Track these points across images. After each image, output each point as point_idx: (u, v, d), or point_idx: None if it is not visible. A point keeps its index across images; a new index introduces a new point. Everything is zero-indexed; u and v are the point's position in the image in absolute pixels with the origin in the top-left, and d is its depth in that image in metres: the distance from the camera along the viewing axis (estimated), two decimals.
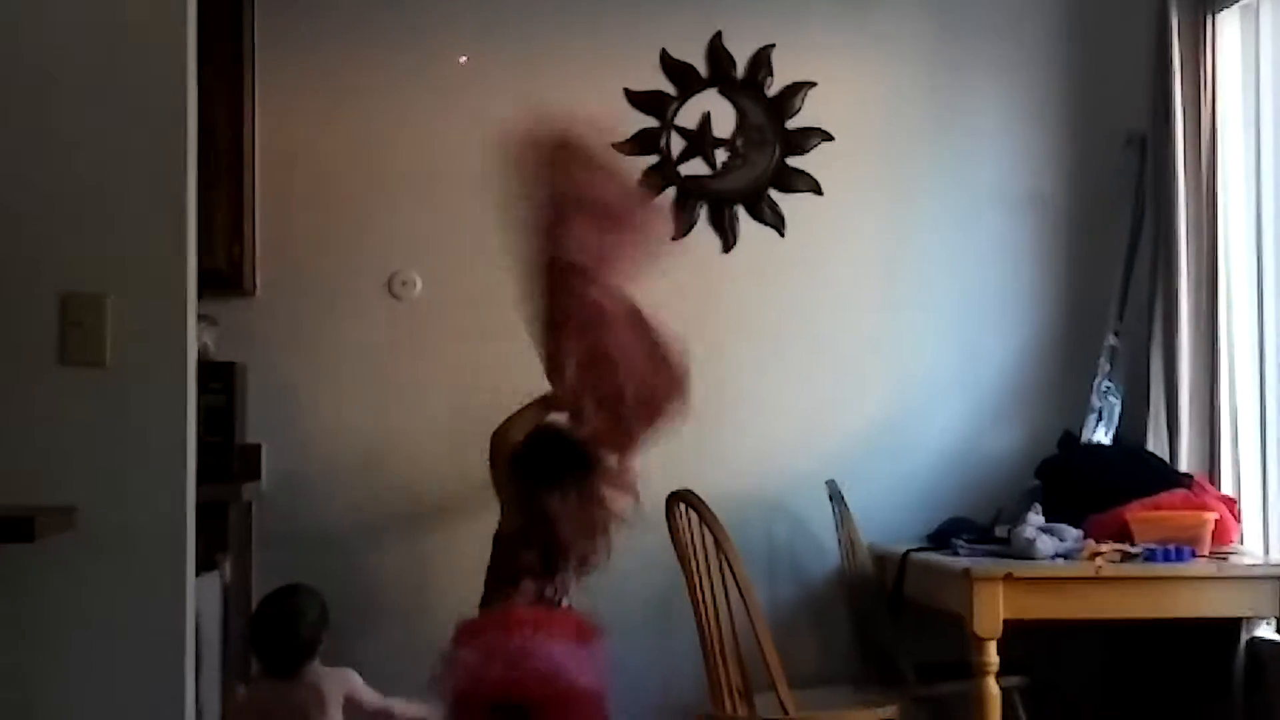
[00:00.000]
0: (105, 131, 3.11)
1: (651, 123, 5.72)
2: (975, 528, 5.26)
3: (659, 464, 5.25)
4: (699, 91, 5.75)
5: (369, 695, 4.39)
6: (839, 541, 5.43)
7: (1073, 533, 4.85)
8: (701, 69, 5.75)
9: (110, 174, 3.11)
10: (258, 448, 5.47)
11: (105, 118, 3.12)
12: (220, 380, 5.17)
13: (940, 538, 5.25)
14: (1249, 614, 4.88)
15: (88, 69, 3.12)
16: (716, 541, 4.75)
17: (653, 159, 5.71)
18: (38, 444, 3.06)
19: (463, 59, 5.64)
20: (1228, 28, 5.37)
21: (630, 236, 4.56)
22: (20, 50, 3.12)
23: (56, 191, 3.10)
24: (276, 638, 4.33)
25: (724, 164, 5.75)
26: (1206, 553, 4.82)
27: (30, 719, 3.01)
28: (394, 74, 5.62)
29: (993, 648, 4.62)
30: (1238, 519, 5.06)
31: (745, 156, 5.76)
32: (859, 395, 5.72)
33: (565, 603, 4.48)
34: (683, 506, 4.85)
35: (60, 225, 3.10)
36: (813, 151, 5.75)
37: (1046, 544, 4.78)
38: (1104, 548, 4.77)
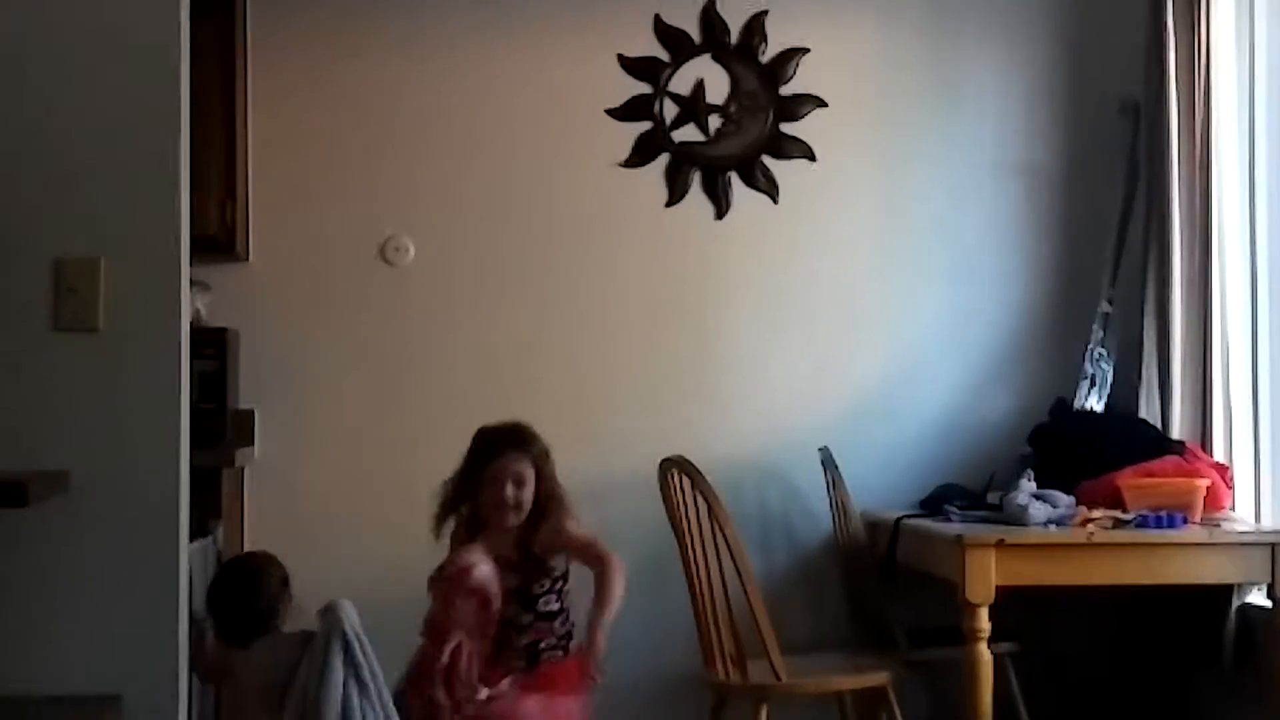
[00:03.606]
0: (97, 95, 3.10)
1: (645, 89, 5.71)
2: (968, 494, 5.27)
3: (652, 430, 5.28)
4: (692, 57, 5.74)
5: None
6: (831, 508, 5.44)
7: (1065, 499, 4.86)
8: (695, 35, 5.74)
9: (102, 138, 3.09)
10: (251, 413, 5.48)
11: (97, 82, 3.10)
12: (213, 346, 5.16)
13: (933, 504, 5.26)
14: (1240, 580, 4.90)
15: (79, 32, 3.10)
16: (709, 508, 4.76)
17: (646, 125, 5.70)
18: (31, 409, 3.05)
19: None
20: None
21: None
22: (8, 15, 3.10)
23: (48, 157, 3.09)
24: (234, 608, 4.27)
25: (717, 130, 5.74)
26: (1198, 519, 4.83)
27: (23, 685, 3.01)
28: (387, 38, 5.61)
29: (985, 614, 4.63)
30: (1229, 486, 5.07)
31: (739, 123, 5.75)
32: (852, 362, 5.72)
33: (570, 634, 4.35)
34: (675, 473, 4.86)
35: (52, 190, 3.08)
36: (806, 118, 5.74)
37: (1039, 510, 4.79)
38: (1096, 514, 4.78)
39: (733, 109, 5.75)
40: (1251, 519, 5.09)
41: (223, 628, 4.24)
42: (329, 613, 4.17)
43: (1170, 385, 5.28)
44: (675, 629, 5.12)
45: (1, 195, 3.07)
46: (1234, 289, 5.28)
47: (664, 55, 5.73)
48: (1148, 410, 5.33)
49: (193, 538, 3.29)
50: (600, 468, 5.31)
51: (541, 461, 4.35)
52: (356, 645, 4.13)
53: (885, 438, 5.67)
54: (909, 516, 5.23)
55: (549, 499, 4.32)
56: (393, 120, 5.62)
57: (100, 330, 3.07)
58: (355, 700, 4.09)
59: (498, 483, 4.30)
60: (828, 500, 5.45)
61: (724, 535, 4.76)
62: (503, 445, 4.35)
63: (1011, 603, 4.68)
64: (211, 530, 4.75)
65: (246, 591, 4.27)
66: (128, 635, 3.05)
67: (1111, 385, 5.49)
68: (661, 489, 4.89)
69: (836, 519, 5.44)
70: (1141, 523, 4.74)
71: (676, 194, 5.70)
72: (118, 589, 3.05)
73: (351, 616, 4.14)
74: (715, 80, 5.74)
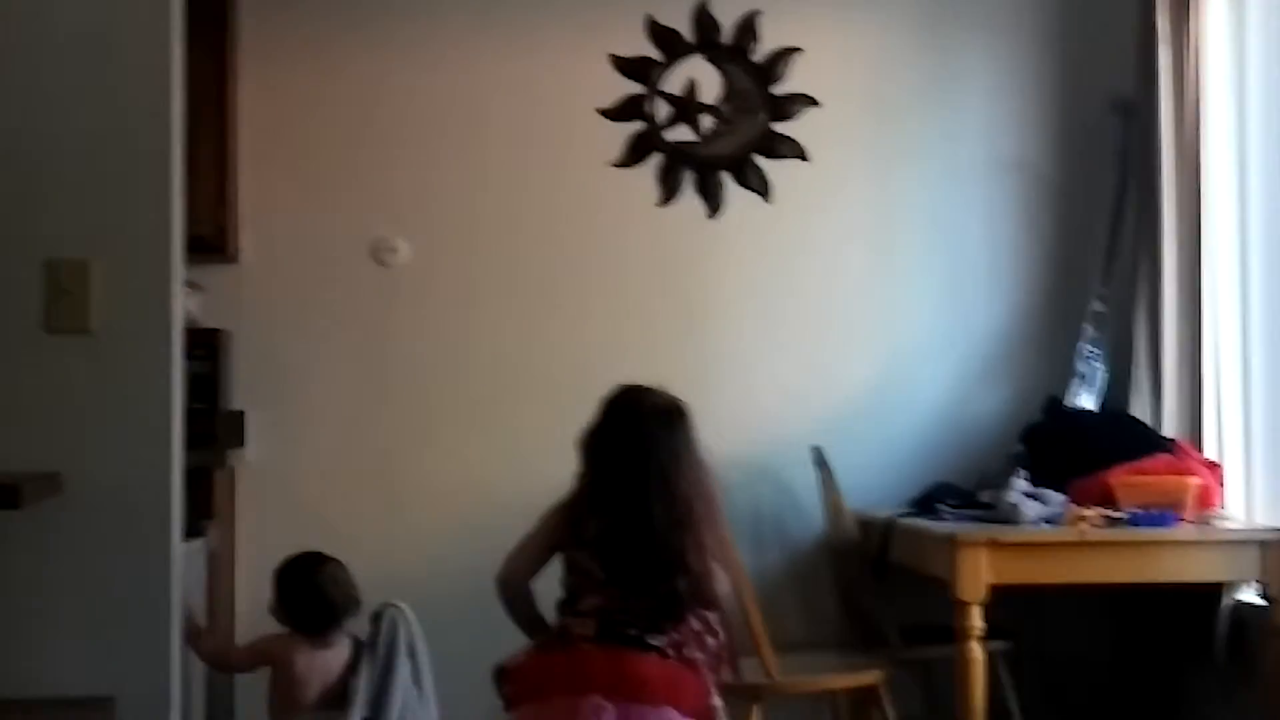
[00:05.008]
0: (89, 97, 3.10)
1: (637, 89, 5.71)
2: (960, 493, 5.27)
3: None
4: (685, 57, 5.74)
5: None
6: (824, 507, 5.44)
7: (1057, 497, 4.86)
8: (688, 34, 5.74)
9: (95, 139, 3.10)
10: (243, 414, 5.47)
11: (89, 83, 3.10)
12: (205, 347, 5.16)
13: (925, 503, 5.25)
14: (1231, 578, 4.89)
15: (71, 34, 3.11)
16: None
17: (638, 125, 5.70)
18: (23, 411, 3.05)
19: None
20: None
21: None
22: (1, 15, 3.10)
23: (40, 158, 3.09)
24: (332, 602, 4.23)
25: (710, 130, 5.74)
26: (1190, 517, 4.83)
27: (15, 688, 3.01)
28: (379, 39, 5.60)
29: (977, 612, 4.63)
30: (1221, 483, 5.06)
31: (731, 123, 5.75)
32: (844, 361, 5.72)
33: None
34: None
35: (44, 191, 3.09)
36: (799, 118, 5.75)
37: (1031, 509, 4.79)
38: (1088, 512, 4.78)
39: (725, 109, 5.75)
40: (1243, 517, 5.09)
41: (299, 619, 4.21)
42: (390, 616, 4.17)
43: (1162, 383, 5.28)
44: None
45: None
46: (1225, 287, 5.28)
47: (656, 55, 5.73)
48: (1139, 408, 5.34)
49: (185, 539, 3.29)
50: None
51: None
52: (419, 650, 4.15)
53: (877, 436, 5.67)
54: (901, 515, 5.22)
55: None
56: (384, 121, 5.61)
57: (93, 331, 3.08)
58: (414, 704, 4.11)
59: None
60: (820, 499, 5.45)
61: None
62: None
63: (1004, 601, 4.68)
64: (204, 531, 4.76)
65: (345, 589, 4.25)
66: (120, 637, 3.06)
67: (1103, 383, 5.49)
68: None
69: (828, 518, 5.44)
70: (1133, 521, 4.74)
71: (669, 194, 5.70)
72: (110, 590, 3.06)
73: (412, 622, 4.16)
74: (708, 80, 5.74)
